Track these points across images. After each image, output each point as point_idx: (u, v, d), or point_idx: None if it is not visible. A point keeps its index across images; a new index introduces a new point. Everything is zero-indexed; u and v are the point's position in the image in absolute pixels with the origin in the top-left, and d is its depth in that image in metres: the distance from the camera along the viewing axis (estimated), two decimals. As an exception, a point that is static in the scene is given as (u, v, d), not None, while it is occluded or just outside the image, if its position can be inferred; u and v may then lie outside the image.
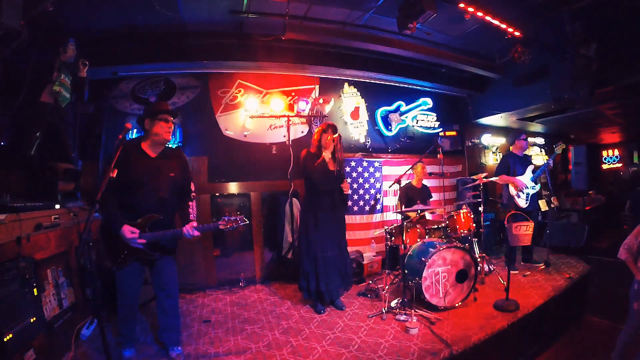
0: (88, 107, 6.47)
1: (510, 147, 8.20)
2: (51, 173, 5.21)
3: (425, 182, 8.31)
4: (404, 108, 9.78)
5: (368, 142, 9.21)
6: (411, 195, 7.81)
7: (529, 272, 7.28)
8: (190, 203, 4.51)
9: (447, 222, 6.87)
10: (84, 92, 5.88)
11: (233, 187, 7.94)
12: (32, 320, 3.90)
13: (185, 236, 4.15)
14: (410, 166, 6.89)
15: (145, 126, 4.18)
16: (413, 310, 5.38)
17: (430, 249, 5.72)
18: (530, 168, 7.80)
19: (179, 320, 4.71)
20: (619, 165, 13.53)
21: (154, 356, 4.63)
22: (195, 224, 4.21)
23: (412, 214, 7.10)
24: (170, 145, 4.68)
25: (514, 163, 7.80)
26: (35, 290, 4.09)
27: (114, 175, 3.55)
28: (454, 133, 10.49)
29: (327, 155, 5.82)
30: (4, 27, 3.85)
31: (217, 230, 4.19)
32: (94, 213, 3.32)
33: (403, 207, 6.99)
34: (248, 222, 4.28)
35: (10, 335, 3.50)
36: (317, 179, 5.78)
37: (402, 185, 7.35)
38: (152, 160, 4.20)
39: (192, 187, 4.66)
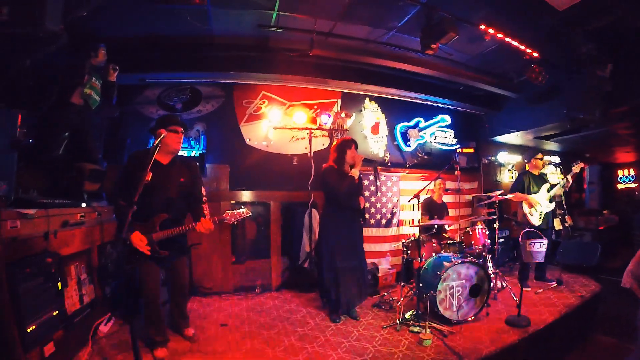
0: (114, 111, 6.63)
1: (527, 166, 8.28)
2: (78, 172, 5.35)
3: (444, 198, 8.40)
4: (422, 124, 9.88)
5: (387, 156, 9.31)
6: (432, 210, 7.89)
7: (541, 290, 7.29)
8: (203, 205, 4.80)
9: (462, 237, 6.96)
10: (112, 96, 6.02)
11: (253, 196, 8.01)
12: (54, 313, 4.00)
13: (199, 229, 4.54)
14: (428, 182, 6.95)
15: (156, 137, 4.42)
16: (427, 323, 5.43)
17: (445, 263, 5.80)
18: (545, 186, 7.84)
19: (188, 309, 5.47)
20: (635, 185, 13.42)
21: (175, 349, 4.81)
22: (209, 218, 4.63)
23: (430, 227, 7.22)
24: (188, 155, 5.20)
25: (529, 181, 7.85)
26: (59, 284, 4.18)
27: (149, 179, 3.95)
28: (470, 150, 10.53)
29: (355, 172, 5.94)
30: (46, 30, 4.00)
31: (222, 221, 4.68)
32: (131, 213, 3.63)
33: (427, 220, 7.15)
34: (250, 214, 4.87)
35: (34, 327, 3.59)
36: (344, 197, 5.91)
37: (423, 200, 7.47)
38: (163, 167, 4.59)
39: (203, 192, 4.93)
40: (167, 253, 4.52)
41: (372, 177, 8.06)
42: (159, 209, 4.48)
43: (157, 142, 4.12)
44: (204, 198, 4.88)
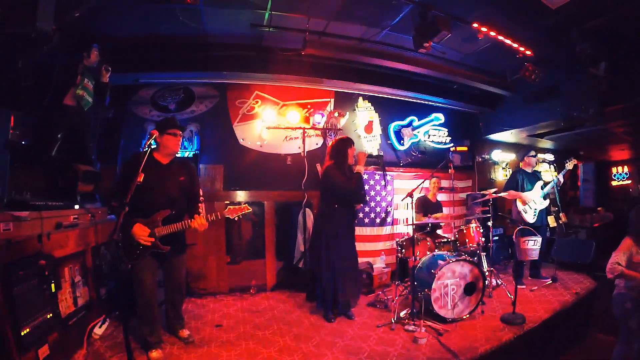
0: (108, 112, 6.61)
1: (520, 164, 8.30)
2: (72, 174, 5.34)
3: (438, 197, 8.43)
4: (416, 123, 9.87)
5: (380, 155, 9.32)
6: (426, 208, 7.91)
7: (536, 287, 7.32)
8: (199, 205, 4.97)
9: (457, 235, 6.97)
10: (105, 97, 6.03)
11: (247, 196, 7.99)
12: (48, 316, 4.00)
13: (194, 226, 4.60)
14: (422, 180, 6.97)
15: (156, 139, 4.52)
16: (422, 321, 5.45)
17: (440, 262, 5.83)
18: (539, 184, 7.87)
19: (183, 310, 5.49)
20: (629, 182, 13.40)
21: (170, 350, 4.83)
22: (203, 216, 4.67)
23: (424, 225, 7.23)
24: (182, 156, 5.28)
25: (522, 179, 7.90)
26: (53, 287, 4.20)
27: (141, 180, 3.95)
28: (464, 148, 10.51)
29: (361, 169, 6.05)
30: (37, 30, 3.99)
31: (224, 217, 4.81)
32: (122, 215, 3.63)
33: (421, 218, 7.17)
34: (250, 209, 4.87)
35: (28, 330, 3.59)
36: (354, 194, 6.00)
37: (417, 198, 7.48)
38: (163, 166, 4.71)
39: (200, 193, 5.11)
40: (169, 248, 4.56)
41: (371, 181, 8.19)
42: (162, 207, 4.54)
43: (149, 142, 4.18)
44: (201, 198, 5.05)
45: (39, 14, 3.91)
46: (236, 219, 4.80)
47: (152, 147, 4.34)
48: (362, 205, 7.53)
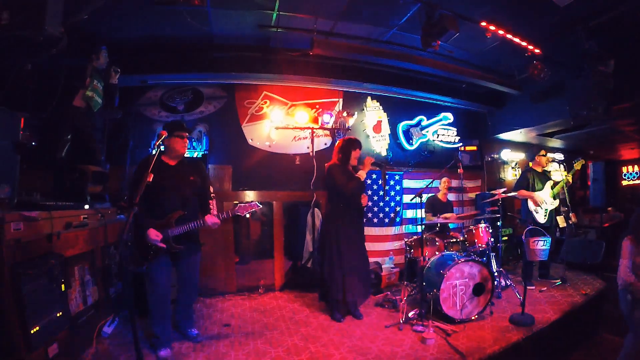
0: (116, 113, 6.65)
1: (530, 163, 8.25)
2: (81, 175, 5.38)
3: (448, 196, 8.40)
4: (425, 122, 9.87)
5: (389, 155, 9.31)
6: (436, 208, 7.88)
7: (545, 288, 7.26)
8: (210, 202, 4.98)
9: (466, 236, 6.94)
10: (114, 98, 6.09)
11: (256, 196, 7.94)
12: (58, 315, 4.01)
13: (207, 223, 4.65)
14: (430, 180, 6.95)
15: (164, 142, 4.54)
16: (430, 322, 5.43)
17: (449, 262, 5.79)
18: (549, 184, 7.82)
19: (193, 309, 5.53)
20: (639, 181, 13.35)
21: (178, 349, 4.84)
22: (215, 213, 4.80)
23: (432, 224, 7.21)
24: (190, 156, 5.35)
25: (533, 178, 7.83)
26: (62, 286, 4.21)
27: (150, 180, 3.95)
28: (473, 148, 10.52)
29: (362, 174, 5.98)
30: (46, 34, 4.01)
31: (235, 215, 4.80)
32: (132, 215, 3.63)
33: (431, 217, 7.16)
34: (261, 205, 4.88)
35: (37, 328, 3.60)
36: (349, 196, 5.93)
37: (427, 198, 7.45)
38: (172, 168, 4.78)
39: (211, 190, 5.13)
40: (182, 247, 4.63)
41: (380, 182, 8.18)
42: (175, 207, 4.63)
43: (158, 143, 4.19)
44: (212, 195, 5.07)
45: (47, 18, 3.92)
46: (247, 215, 4.83)
47: (161, 150, 4.37)
48: (369, 204, 7.53)
